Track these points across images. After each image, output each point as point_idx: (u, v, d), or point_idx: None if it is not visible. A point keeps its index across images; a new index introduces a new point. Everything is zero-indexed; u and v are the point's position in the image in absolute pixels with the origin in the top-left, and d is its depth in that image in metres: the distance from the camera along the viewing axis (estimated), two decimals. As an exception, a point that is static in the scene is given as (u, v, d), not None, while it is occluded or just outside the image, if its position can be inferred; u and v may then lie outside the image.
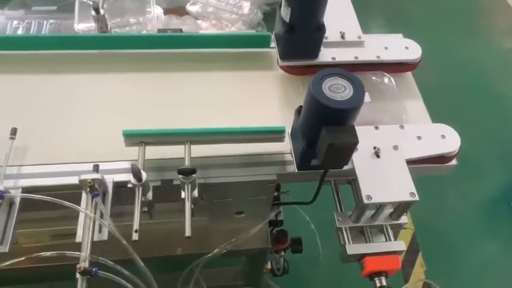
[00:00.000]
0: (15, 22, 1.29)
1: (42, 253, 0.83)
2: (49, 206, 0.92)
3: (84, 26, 1.37)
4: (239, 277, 1.52)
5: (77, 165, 0.95)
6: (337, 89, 0.77)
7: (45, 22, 1.28)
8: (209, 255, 1.13)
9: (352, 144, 0.76)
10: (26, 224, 1.01)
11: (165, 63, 1.17)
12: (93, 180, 0.85)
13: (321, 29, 1.04)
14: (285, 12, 1.02)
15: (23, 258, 0.83)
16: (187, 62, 1.17)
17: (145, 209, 0.92)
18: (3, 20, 1.33)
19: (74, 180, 0.90)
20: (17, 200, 0.89)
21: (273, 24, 1.10)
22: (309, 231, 1.48)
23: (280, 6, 1.04)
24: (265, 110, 1.10)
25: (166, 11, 1.56)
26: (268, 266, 1.46)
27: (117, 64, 1.15)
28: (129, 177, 0.93)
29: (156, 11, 1.42)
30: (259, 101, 1.12)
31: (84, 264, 0.78)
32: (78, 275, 0.77)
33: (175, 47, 1.19)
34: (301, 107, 0.88)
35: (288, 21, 1.02)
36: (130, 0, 1.45)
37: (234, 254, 1.26)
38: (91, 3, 1.46)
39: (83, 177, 0.86)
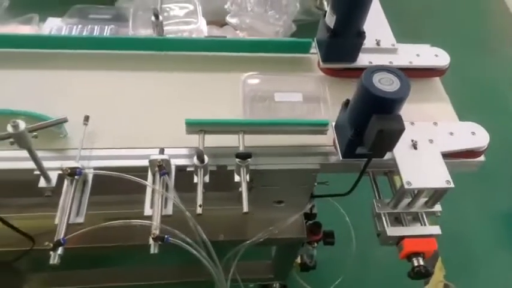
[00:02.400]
0: (79, 27, 1.43)
1: (114, 222, 0.91)
2: (110, 190, 1.02)
3: (140, 32, 1.49)
4: (268, 270, 1.60)
5: (140, 150, 1.05)
6: (386, 82, 0.87)
7: (106, 27, 1.41)
8: (248, 241, 1.22)
9: (399, 130, 0.86)
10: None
11: (214, 64, 1.28)
12: (162, 160, 0.95)
13: (361, 35, 1.15)
14: (329, 19, 1.13)
15: (92, 227, 0.91)
16: (234, 64, 1.29)
17: (203, 190, 1.01)
18: (65, 26, 1.46)
19: (139, 162, 1.01)
20: (90, 178, 0.99)
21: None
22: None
23: (325, 15, 1.16)
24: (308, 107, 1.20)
25: (208, 22, 1.69)
26: (298, 260, 1.54)
27: (171, 64, 1.26)
28: (187, 162, 1.04)
29: (202, 21, 1.54)
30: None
31: (156, 231, 0.87)
32: (151, 241, 0.87)
33: (223, 51, 1.30)
34: (348, 100, 0.98)
35: (332, 27, 1.13)
36: (178, 9, 1.58)
37: (270, 242, 1.34)
38: (141, 13, 1.60)
39: (153, 157, 0.96)
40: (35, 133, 0.87)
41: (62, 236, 0.87)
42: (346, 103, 0.98)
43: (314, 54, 1.31)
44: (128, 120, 1.13)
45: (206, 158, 0.97)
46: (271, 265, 1.61)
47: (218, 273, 1.01)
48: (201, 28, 1.54)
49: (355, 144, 0.96)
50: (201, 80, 1.25)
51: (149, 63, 1.25)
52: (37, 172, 0.97)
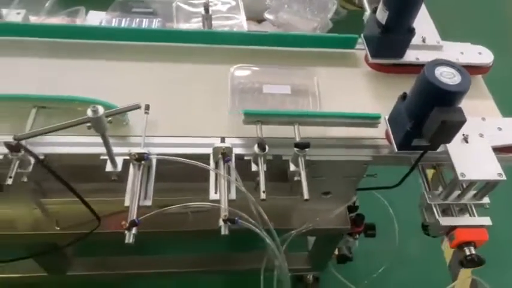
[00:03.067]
0: (127, 20, 1.47)
1: (182, 205, 0.95)
2: (163, 178, 1.06)
3: (182, 26, 1.53)
4: (305, 261, 1.63)
5: (196, 139, 1.09)
6: (448, 76, 0.90)
7: (154, 20, 1.45)
8: (295, 231, 1.25)
9: (461, 122, 0.89)
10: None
11: (261, 58, 1.32)
12: (226, 148, 0.99)
13: (412, 31, 1.19)
14: (381, 15, 1.16)
15: (160, 210, 0.95)
16: (279, 58, 1.32)
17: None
18: (110, 19, 1.50)
19: (200, 150, 1.05)
20: (154, 163, 1.03)
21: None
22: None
23: (374, 11, 1.20)
24: (357, 101, 1.23)
25: (246, 18, 1.72)
26: (336, 251, 1.58)
27: (220, 57, 1.30)
28: (245, 151, 1.07)
29: (243, 16, 1.57)
30: (351, 93, 1.26)
31: (226, 214, 0.91)
32: (221, 222, 0.90)
33: (269, 45, 1.33)
34: (405, 93, 1.02)
35: (384, 23, 1.16)
36: (221, 4, 1.62)
37: (314, 233, 1.38)
38: (186, 7, 1.64)
39: (217, 145, 1.00)
40: (109, 118, 0.91)
41: (134, 216, 0.91)
42: (404, 96, 1.01)
43: (359, 50, 1.35)
44: (183, 110, 1.16)
45: (267, 147, 1.01)
46: (308, 256, 1.64)
47: (280, 257, 1.04)
48: (242, 24, 1.57)
49: (412, 136, 0.99)
50: (252, 73, 1.28)
51: (202, 56, 1.29)
52: (104, 157, 1.02)
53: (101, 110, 0.86)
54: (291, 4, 1.82)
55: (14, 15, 1.49)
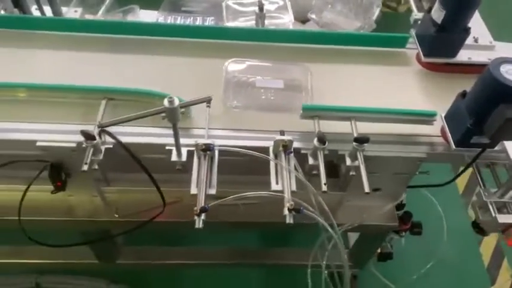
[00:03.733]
0: (182, 18, 1.52)
1: (248, 193, 0.98)
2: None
3: (231, 24, 1.57)
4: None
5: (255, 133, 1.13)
6: (513, 74, 0.92)
7: (208, 19, 1.50)
8: (343, 227, 1.27)
9: (526, 119, 0.90)
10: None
11: (313, 55, 1.34)
12: (288, 141, 1.02)
13: (467, 31, 1.20)
14: (437, 14, 1.18)
15: (230, 198, 0.99)
16: (330, 56, 1.35)
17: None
18: (162, 18, 1.56)
19: (260, 143, 1.09)
20: (216, 154, 1.06)
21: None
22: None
23: (429, 10, 1.21)
24: (408, 98, 1.25)
25: (292, 18, 1.75)
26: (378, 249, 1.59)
27: (275, 54, 1.33)
28: (301, 145, 1.10)
29: (291, 16, 1.61)
30: (403, 91, 1.27)
31: (291, 203, 0.94)
32: (286, 212, 0.94)
33: (322, 43, 1.36)
34: (465, 91, 1.03)
35: (439, 22, 1.18)
36: (269, 3, 1.66)
37: (361, 229, 1.40)
38: (235, 6, 1.68)
39: (278, 138, 1.03)
40: (182, 109, 0.95)
41: (202, 203, 0.95)
42: (463, 94, 1.03)
43: (409, 49, 1.37)
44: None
45: (327, 141, 1.04)
46: (349, 253, 1.66)
47: (342, 248, 1.07)
48: (289, 23, 1.60)
49: (472, 133, 1.00)
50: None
51: (252, 53, 1.32)
52: (170, 147, 1.06)
53: (176, 101, 0.90)
54: (334, 4, 1.84)
55: (72, 13, 1.57)
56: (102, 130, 0.94)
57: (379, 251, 1.60)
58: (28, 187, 1.06)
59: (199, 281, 1.89)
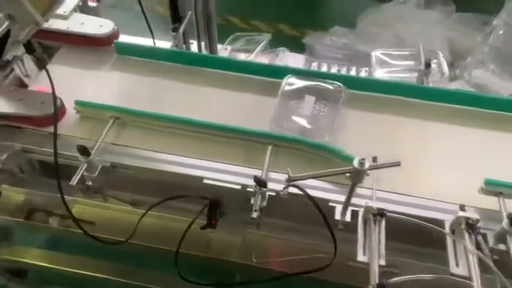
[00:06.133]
0: (326, 64, 1.52)
1: (426, 276, 0.88)
2: None
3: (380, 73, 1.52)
4: None
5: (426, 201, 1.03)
6: None
7: (362, 70, 1.48)
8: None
9: None
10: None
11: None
12: (474, 220, 0.92)
13: None
14: None
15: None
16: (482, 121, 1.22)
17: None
18: (316, 63, 1.57)
19: (436, 215, 0.99)
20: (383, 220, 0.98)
21: None
22: None
23: None
24: None
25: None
26: None
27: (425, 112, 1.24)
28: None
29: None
30: None
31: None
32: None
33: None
34: None
35: None
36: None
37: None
38: (384, 58, 1.63)
39: (461, 214, 0.93)
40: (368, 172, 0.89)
41: (376, 276, 0.87)
42: None
43: None
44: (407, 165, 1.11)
45: (517, 226, 0.91)
46: None
47: None
48: (446, 81, 1.51)
49: None
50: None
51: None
52: (333, 204, 1.01)
53: (367, 163, 0.85)
54: (488, 63, 1.72)
55: (222, 51, 1.63)
56: (292, 184, 0.91)
57: None
58: (192, 222, 1.07)
59: None
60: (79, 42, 1.34)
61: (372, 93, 1.27)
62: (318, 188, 1.04)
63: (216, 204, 1.10)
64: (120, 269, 1.62)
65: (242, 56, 1.62)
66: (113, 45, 1.33)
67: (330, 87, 1.24)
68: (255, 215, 0.95)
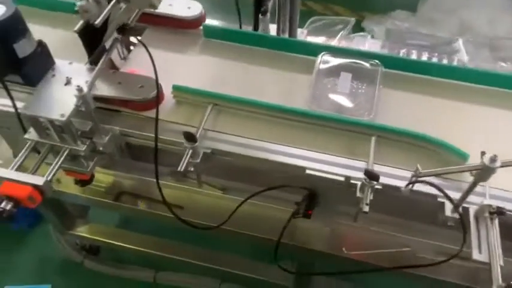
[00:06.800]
0: (414, 52, 1.46)
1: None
2: None
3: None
4: None
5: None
6: None
7: (455, 58, 1.41)
8: None
9: None
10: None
11: None
12: None
13: None
14: None
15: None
16: None
17: None
18: (404, 50, 1.51)
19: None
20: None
21: None
22: None
23: None
24: None
25: None
26: None
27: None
28: None
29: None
30: None
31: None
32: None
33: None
34: None
35: None
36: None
37: None
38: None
39: None
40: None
41: (499, 277, 0.84)
42: None
43: None
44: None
45: None
46: None
47: None
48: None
49: None
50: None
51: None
52: (441, 199, 0.98)
53: (499, 161, 0.81)
54: None
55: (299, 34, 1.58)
56: (420, 181, 0.88)
57: None
58: (293, 214, 1.06)
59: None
60: (167, 23, 1.32)
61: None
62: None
63: (314, 194, 1.09)
64: (195, 252, 1.65)
65: (320, 40, 1.57)
66: (201, 27, 1.31)
67: (367, 64, 1.21)
68: (366, 208, 0.93)
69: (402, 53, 1.57)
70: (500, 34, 2.04)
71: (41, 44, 1.06)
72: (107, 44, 1.11)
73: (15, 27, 0.97)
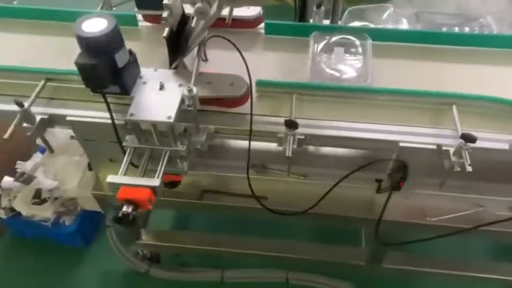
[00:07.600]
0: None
1: None
2: None
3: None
4: None
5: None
6: None
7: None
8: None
9: None
10: None
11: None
12: None
13: None
14: None
15: None
16: None
17: None
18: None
19: None
20: None
21: None
22: None
23: None
24: None
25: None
26: None
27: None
28: None
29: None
30: None
31: None
32: None
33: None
34: None
35: None
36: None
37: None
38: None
39: None
40: None
41: None
42: None
43: None
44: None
45: None
46: None
47: None
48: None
49: None
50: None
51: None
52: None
53: None
54: None
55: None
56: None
57: None
58: (391, 190, 1.14)
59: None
60: (232, 25, 1.37)
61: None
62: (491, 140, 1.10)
63: (405, 166, 1.16)
64: (260, 243, 1.69)
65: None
66: (263, 25, 1.37)
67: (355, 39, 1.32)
68: (470, 168, 1.00)
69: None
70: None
71: (131, 53, 1.10)
72: (191, 47, 1.16)
73: (117, 39, 1.01)
